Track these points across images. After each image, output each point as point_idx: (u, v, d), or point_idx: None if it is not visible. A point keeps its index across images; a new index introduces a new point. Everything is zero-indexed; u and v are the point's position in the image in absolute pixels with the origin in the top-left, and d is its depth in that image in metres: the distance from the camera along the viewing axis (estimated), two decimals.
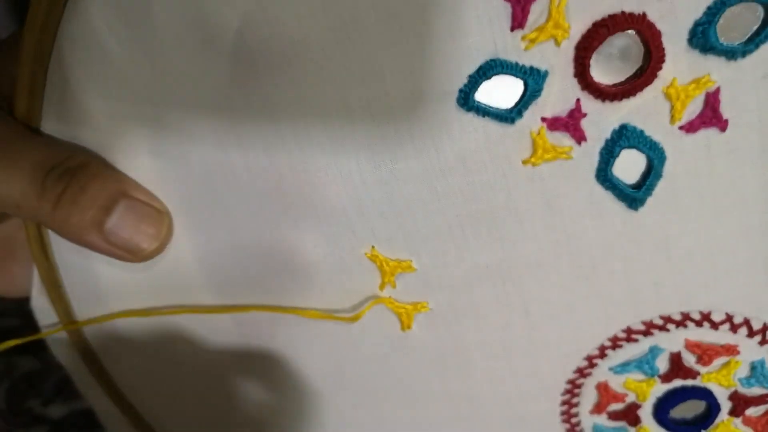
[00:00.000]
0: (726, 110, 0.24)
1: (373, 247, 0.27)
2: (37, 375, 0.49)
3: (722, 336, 0.29)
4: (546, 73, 0.23)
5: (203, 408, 0.34)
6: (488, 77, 0.24)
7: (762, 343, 0.28)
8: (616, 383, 0.30)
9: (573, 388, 0.31)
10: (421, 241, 0.27)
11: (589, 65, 0.23)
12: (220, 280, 0.29)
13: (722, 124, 0.24)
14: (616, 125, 0.24)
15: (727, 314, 0.28)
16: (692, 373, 0.30)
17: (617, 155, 0.25)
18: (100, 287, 0.31)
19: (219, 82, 0.25)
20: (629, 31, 0.23)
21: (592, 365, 0.30)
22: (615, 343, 0.29)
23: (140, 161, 0.27)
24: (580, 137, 0.24)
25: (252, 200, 0.27)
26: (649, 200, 0.25)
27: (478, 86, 0.24)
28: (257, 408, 0.33)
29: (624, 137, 0.24)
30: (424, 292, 0.28)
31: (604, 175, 0.25)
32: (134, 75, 0.25)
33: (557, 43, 0.23)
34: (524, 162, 0.25)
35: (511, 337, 0.29)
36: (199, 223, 0.28)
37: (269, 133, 0.25)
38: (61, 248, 0.31)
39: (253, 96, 0.25)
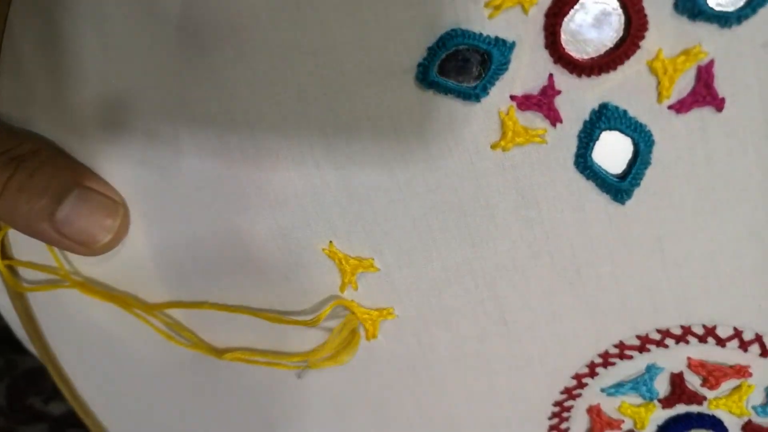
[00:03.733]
0: (722, 86, 0.21)
1: (330, 242, 0.25)
2: (38, 372, 0.49)
3: (731, 354, 0.25)
4: (513, 45, 0.21)
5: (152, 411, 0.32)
6: (449, 48, 0.21)
7: None
8: (609, 407, 0.27)
9: (561, 412, 0.27)
10: (383, 237, 0.24)
11: (560, 34, 0.21)
12: (174, 276, 0.27)
13: (718, 103, 0.21)
14: (595, 104, 0.22)
15: (735, 329, 0.24)
16: (697, 398, 0.26)
17: (597, 138, 0.22)
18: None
19: (166, 57, 0.23)
20: None
21: (581, 385, 0.27)
22: (606, 359, 0.26)
23: (91, 145, 0.26)
24: (554, 118, 0.22)
25: (204, 189, 0.25)
26: (637, 192, 0.22)
27: (438, 59, 0.21)
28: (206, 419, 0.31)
29: (604, 118, 0.21)
30: (390, 296, 0.26)
31: (583, 162, 0.22)
32: (82, 52, 0.24)
33: (525, 11, 0.20)
34: (493, 146, 0.22)
35: (489, 350, 0.26)
36: (152, 213, 0.26)
37: (219, 113, 0.23)
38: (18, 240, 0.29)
39: (200, 72, 0.23)
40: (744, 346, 0.25)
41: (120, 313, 0.29)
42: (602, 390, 0.27)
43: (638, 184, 0.22)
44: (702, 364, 0.25)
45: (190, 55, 0.23)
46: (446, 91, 0.22)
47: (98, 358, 0.31)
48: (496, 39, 0.21)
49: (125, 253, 0.27)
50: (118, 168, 0.26)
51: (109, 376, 0.32)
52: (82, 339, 0.31)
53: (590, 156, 0.22)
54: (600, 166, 0.22)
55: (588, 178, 0.22)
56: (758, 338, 0.24)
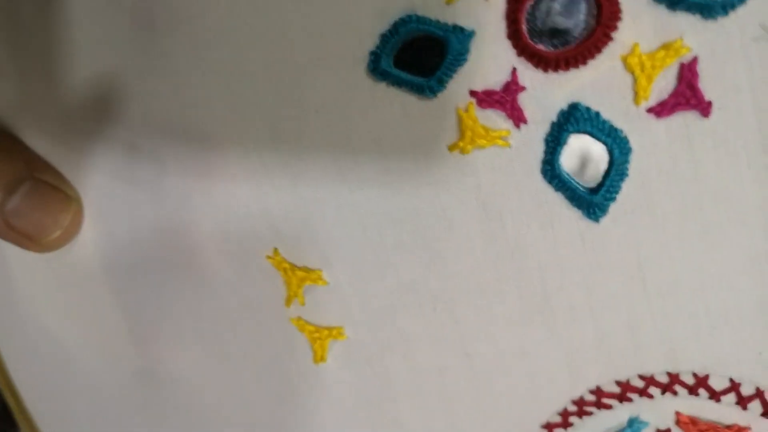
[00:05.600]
0: (708, 88, 0.18)
1: (275, 249, 0.23)
2: None
3: (727, 411, 0.21)
4: (472, 33, 0.19)
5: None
6: (402, 36, 0.19)
7: None
8: None
9: None
10: (332, 246, 0.22)
11: (524, 23, 0.19)
12: (119, 280, 0.26)
13: (704, 107, 0.18)
14: (563, 104, 0.19)
15: (731, 380, 0.21)
16: None
17: (565, 143, 0.19)
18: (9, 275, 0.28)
19: (121, 43, 0.22)
20: None
21: None
22: (581, 407, 0.22)
23: (45, 135, 0.25)
24: (518, 118, 0.19)
25: (150, 185, 0.24)
26: (613, 208, 0.20)
27: (391, 47, 0.20)
28: None
29: (573, 120, 0.19)
30: (340, 314, 0.23)
31: (550, 170, 0.20)
32: (38, 37, 0.23)
33: None
34: (450, 148, 0.20)
35: (450, 386, 0.23)
36: (102, 213, 0.25)
37: (169, 103, 0.22)
38: None
39: (153, 60, 0.22)
40: (743, 402, 0.21)
41: (70, 320, 0.27)
42: None
43: (614, 199, 0.20)
44: (693, 421, 0.22)
45: (143, 42, 0.22)
46: (399, 83, 0.20)
47: (45, 367, 0.29)
48: (454, 26, 0.19)
49: (74, 254, 0.26)
50: (66, 163, 0.25)
51: (55, 386, 0.30)
52: (31, 347, 0.30)
53: (558, 163, 0.20)
54: (569, 176, 0.20)
55: (557, 189, 0.20)
56: (759, 393, 0.21)
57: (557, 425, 0.23)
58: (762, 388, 0.21)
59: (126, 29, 0.22)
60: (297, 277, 0.23)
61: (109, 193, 0.24)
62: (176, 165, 0.23)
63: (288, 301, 0.23)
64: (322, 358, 0.24)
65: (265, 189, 0.22)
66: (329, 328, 0.23)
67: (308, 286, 0.23)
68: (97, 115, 0.23)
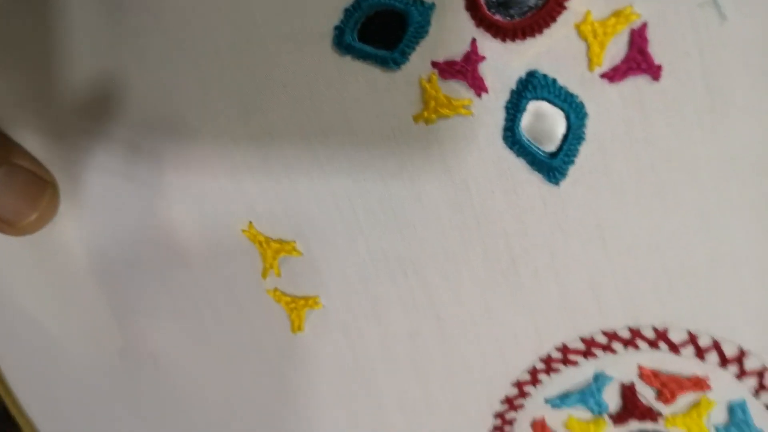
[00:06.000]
0: (658, 52, 0.19)
1: (250, 222, 0.23)
2: None
3: (686, 363, 0.22)
4: (432, 6, 0.20)
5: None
6: (365, 10, 0.20)
7: (740, 376, 0.22)
8: (556, 421, 0.24)
9: (503, 425, 0.25)
10: (305, 218, 0.23)
11: None
12: (102, 268, 0.26)
13: (654, 71, 0.19)
14: (522, 72, 0.20)
15: (689, 333, 0.22)
16: (652, 414, 0.23)
17: (524, 110, 0.20)
18: None
19: (91, 21, 0.22)
20: None
21: (523, 394, 0.24)
22: (549, 365, 0.23)
23: (24, 128, 0.25)
24: (479, 87, 0.20)
25: (125, 167, 0.24)
26: (572, 171, 0.21)
27: (354, 22, 0.20)
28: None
29: (531, 87, 0.20)
30: (315, 284, 0.24)
31: (511, 137, 0.20)
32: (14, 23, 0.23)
33: None
34: (415, 118, 0.21)
35: (422, 349, 0.24)
36: (80, 201, 0.26)
37: (139, 81, 0.23)
38: None
39: (120, 40, 0.22)
40: (701, 353, 0.22)
41: (52, 305, 0.28)
42: (547, 401, 0.24)
43: (572, 162, 0.20)
44: (655, 374, 0.23)
45: (111, 21, 0.22)
46: (364, 56, 0.20)
47: (31, 354, 0.30)
48: (413, 0, 0.20)
49: (54, 236, 0.27)
50: (39, 147, 0.25)
51: (40, 370, 0.30)
52: (15, 331, 0.30)
53: (518, 129, 0.20)
54: (529, 141, 0.20)
55: (518, 154, 0.21)
56: (716, 345, 0.22)
57: (527, 383, 0.24)
58: (718, 339, 0.22)
59: (95, 12, 0.22)
60: (272, 249, 0.23)
61: (85, 179, 0.25)
62: (150, 148, 0.23)
63: (264, 273, 0.24)
64: (300, 328, 0.25)
65: (238, 166, 0.23)
66: (305, 298, 0.24)
67: (283, 258, 0.24)
68: (65, 115, 0.24)
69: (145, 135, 0.23)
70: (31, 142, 0.26)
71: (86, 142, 0.24)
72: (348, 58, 0.21)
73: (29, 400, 0.32)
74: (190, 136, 0.23)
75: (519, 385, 0.24)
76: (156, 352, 0.28)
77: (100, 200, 0.25)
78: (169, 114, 0.23)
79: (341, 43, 0.20)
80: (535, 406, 0.24)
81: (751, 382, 0.22)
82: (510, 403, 0.24)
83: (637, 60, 0.19)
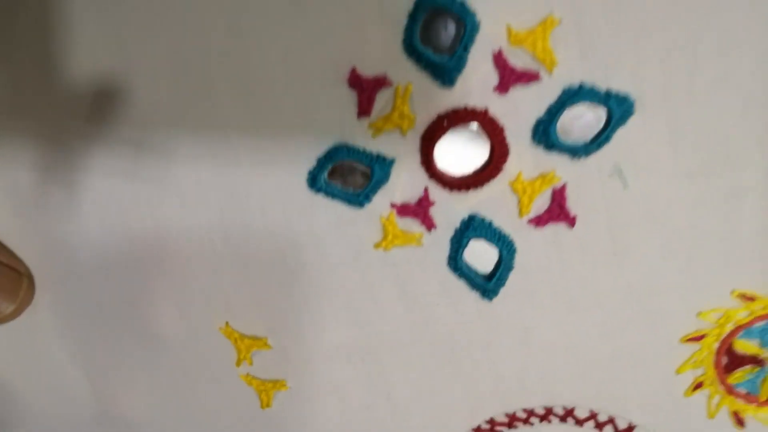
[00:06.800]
0: (574, 207, 0.24)
1: (227, 322, 0.27)
2: None
3: None
4: (392, 161, 0.23)
5: None
6: (335, 161, 0.23)
7: None
8: None
9: None
10: (277, 318, 0.26)
11: (434, 155, 0.23)
12: (78, 346, 0.29)
13: (570, 221, 0.24)
14: (465, 215, 0.24)
15: (591, 411, 0.27)
16: None
17: (466, 245, 0.24)
18: None
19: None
20: (473, 125, 0.23)
21: None
22: None
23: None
24: (429, 225, 0.24)
25: (105, 259, 0.27)
26: (503, 291, 0.25)
27: (326, 169, 0.24)
28: None
29: (472, 228, 0.24)
30: (283, 370, 0.28)
31: (455, 264, 0.25)
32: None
33: (403, 133, 0.23)
34: (376, 246, 0.25)
35: (374, 421, 0.28)
36: (54, 283, 0.28)
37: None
38: None
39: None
40: (599, 426, 0.28)
41: (29, 372, 0.30)
42: None
43: (503, 284, 0.25)
44: None
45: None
46: (333, 195, 0.24)
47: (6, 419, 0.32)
48: (377, 156, 0.23)
49: (28, 319, 0.29)
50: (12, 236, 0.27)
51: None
52: None
53: (460, 259, 0.25)
54: (469, 268, 0.25)
55: (459, 277, 0.25)
56: (611, 420, 0.27)
57: None
58: (612, 416, 0.27)
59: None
60: (245, 344, 0.27)
61: (63, 262, 0.27)
62: (133, 250, 0.26)
63: (238, 363, 0.28)
64: (268, 405, 0.29)
65: (217, 270, 0.26)
66: (273, 381, 0.28)
67: (255, 351, 0.27)
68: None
69: (131, 234, 0.26)
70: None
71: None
72: (320, 195, 0.24)
73: None
74: (175, 241, 0.26)
75: None
76: (130, 416, 0.31)
77: (75, 278, 0.27)
78: (158, 217, 0.25)
79: (314, 185, 0.24)
80: None
81: None
82: None
83: (557, 212, 0.24)
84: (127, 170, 0.25)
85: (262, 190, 0.24)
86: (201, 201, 0.25)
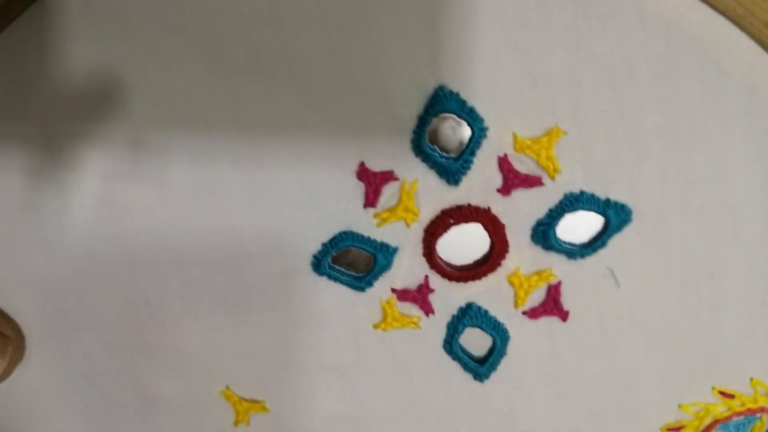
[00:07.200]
0: (567, 302, 0.25)
1: (227, 386, 0.28)
2: None
3: None
4: (396, 249, 0.24)
5: None
6: (339, 248, 0.24)
7: None
8: None
9: None
10: (275, 386, 0.27)
11: (435, 248, 0.24)
12: (78, 413, 0.29)
13: (563, 315, 0.25)
14: (462, 303, 0.25)
15: None
16: None
17: (462, 331, 0.25)
18: None
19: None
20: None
21: None
22: None
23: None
24: (427, 310, 0.25)
25: (106, 326, 0.27)
26: (494, 375, 0.26)
27: (331, 254, 0.24)
28: None
29: (468, 316, 0.25)
30: None
31: (450, 347, 0.26)
32: None
33: (407, 224, 0.24)
34: (375, 326, 0.26)
35: None
36: (51, 348, 0.28)
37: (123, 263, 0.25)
38: None
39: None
40: None
41: None
42: None
43: (495, 370, 0.26)
44: None
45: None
46: (337, 279, 0.25)
47: None
48: (381, 244, 0.24)
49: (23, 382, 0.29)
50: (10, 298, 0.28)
51: None
52: None
53: (456, 343, 0.26)
54: (463, 352, 0.26)
55: (453, 359, 0.26)
56: None
57: None
58: None
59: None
60: (244, 407, 0.28)
61: (61, 328, 0.28)
62: (137, 326, 0.27)
63: (236, 423, 0.28)
64: None
65: (219, 344, 0.27)
66: None
67: (253, 413, 0.28)
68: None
69: (134, 317, 0.27)
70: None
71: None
72: (324, 278, 0.25)
73: None
74: (177, 320, 0.26)
75: None
76: None
77: (75, 345, 0.28)
78: (154, 298, 0.26)
79: (318, 269, 0.25)
80: None
81: None
82: None
83: (551, 306, 0.25)
84: None
85: (266, 269, 0.25)
86: (202, 276, 0.25)
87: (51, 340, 0.28)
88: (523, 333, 0.25)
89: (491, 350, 0.26)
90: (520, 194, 0.23)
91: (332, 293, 0.25)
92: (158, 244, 0.25)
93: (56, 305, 0.27)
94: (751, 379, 0.26)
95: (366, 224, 0.24)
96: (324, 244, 0.24)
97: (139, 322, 0.26)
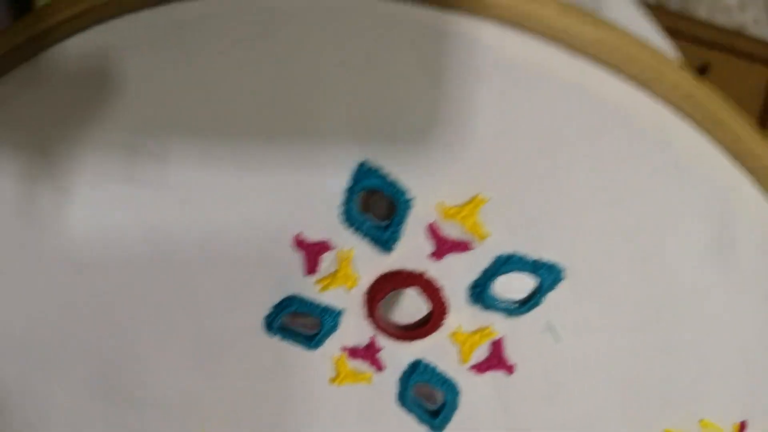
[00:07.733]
0: (511, 356, 0.25)
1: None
2: None
3: None
4: (340, 312, 0.25)
5: None
6: (287, 312, 0.25)
7: None
8: None
9: None
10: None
11: (377, 311, 0.25)
12: None
13: (509, 369, 0.25)
14: (411, 359, 0.26)
15: None
16: None
17: (412, 387, 0.26)
18: None
19: None
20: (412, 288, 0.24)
21: None
22: None
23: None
24: (378, 366, 0.26)
25: (78, 381, 0.29)
26: (448, 427, 0.27)
27: (281, 317, 0.26)
28: None
29: (417, 372, 0.26)
30: None
31: (403, 401, 0.27)
32: None
33: (348, 289, 0.25)
34: (329, 381, 0.27)
35: None
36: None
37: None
38: None
39: None
40: None
41: None
42: None
43: (448, 421, 0.27)
44: None
45: None
46: (289, 338, 0.26)
47: None
48: (326, 308, 0.25)
49: None
50: None
51: None
52: None
53: (407, 397, 0.26)
54: (417, 405, 0.27)
55: (408, 412, 0.27)
56: None
57: None
58: None
59: None
60: None
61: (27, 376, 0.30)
62: (107, 374, 0.28)
63: None
64: None
65: (192, 394, 0.28)
66: None
67: None
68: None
69: (105, 363, 0.28)
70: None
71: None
72: (277, 337, 0.26)
73: None
74: (150, 369, 0.28)
75: None
76: None
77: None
78: (127, 353, 0.28)
79: (271, 328, 0.26)
80: None
81: None
82: None
83: (495, 361, 0.25)
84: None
85: (222, 333, 0.26)
86: (171, 334, 0.27)
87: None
88: (471, 387, 0.26)
89: (443, 404, 0.26)
90: (453, 258, 0.24)
91: (285, 351, 0.26)
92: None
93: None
94: (701, 420, 0.26)
95: (310, 289, 0.25)
96: (274, 306, 0.25)
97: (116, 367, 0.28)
